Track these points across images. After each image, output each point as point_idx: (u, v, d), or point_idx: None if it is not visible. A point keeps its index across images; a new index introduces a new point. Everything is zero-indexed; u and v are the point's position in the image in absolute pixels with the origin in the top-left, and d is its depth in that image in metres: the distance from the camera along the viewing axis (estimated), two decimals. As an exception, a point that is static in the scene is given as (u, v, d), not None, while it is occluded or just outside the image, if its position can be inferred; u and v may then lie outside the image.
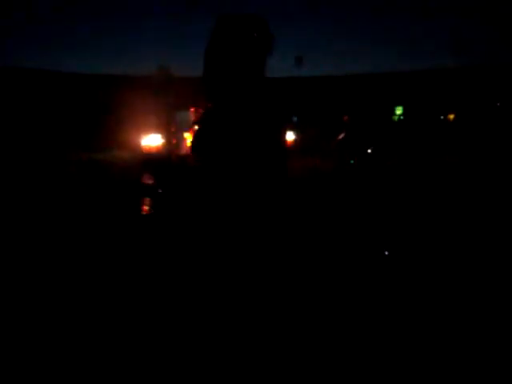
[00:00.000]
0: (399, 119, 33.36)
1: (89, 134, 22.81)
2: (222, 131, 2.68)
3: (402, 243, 8.60)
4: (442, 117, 31.74)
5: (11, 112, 21.47)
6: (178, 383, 3.98)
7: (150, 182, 10.30)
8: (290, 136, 33.77)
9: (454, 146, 25.70)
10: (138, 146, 21.51)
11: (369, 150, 23.89)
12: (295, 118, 32.78)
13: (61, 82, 23.05)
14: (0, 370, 4.14)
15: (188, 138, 32.93)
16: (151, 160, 19.03)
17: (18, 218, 10.37)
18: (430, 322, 5.23)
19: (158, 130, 23.31)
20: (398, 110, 33.64)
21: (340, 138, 25.65)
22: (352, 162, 21.25)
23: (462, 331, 5.04)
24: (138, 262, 7.05)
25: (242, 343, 2.66)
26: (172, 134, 30.06)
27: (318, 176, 19.64)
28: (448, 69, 33.67)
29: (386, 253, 8.16)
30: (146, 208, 9.52)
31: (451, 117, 32.80)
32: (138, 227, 8.89)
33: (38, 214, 10.72)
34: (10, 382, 4.00)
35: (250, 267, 2.63)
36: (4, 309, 5.52)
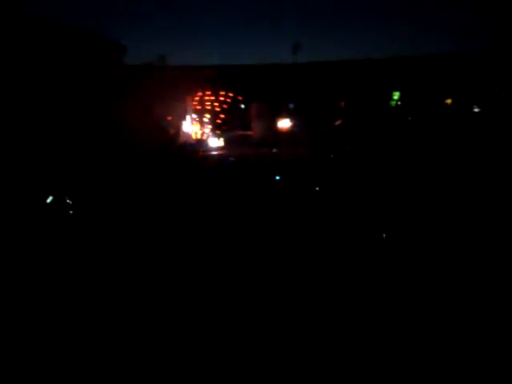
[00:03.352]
0: (396, 104, 33.30)
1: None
2: None
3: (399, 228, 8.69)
4: (439, 101, 31.72)
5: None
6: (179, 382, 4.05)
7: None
8: (286, 123, 33.80)
9: (452, 131, 25.68)
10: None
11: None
12: (291, 105, 32.67)
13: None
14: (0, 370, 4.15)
15: (185, 126, 32.59)
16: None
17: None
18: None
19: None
20: (395, 96, 33.57)
21: (337, 124, 25.64)
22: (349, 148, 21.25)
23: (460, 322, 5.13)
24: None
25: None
26: (169, 124, 30.06)
27: (316, 161, 19.68)
28: (445, 53, 33.48)
29: (384, 235, 8.25)
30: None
31: (449, 101, 32.74)
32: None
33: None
34: (10, 381, 4.00)
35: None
36: (5, 307, 5.50)
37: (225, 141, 32.24)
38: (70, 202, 11.93)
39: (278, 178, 17.67)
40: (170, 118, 29.54)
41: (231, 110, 34.46)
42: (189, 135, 32.02)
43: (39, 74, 18.60)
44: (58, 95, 19.00)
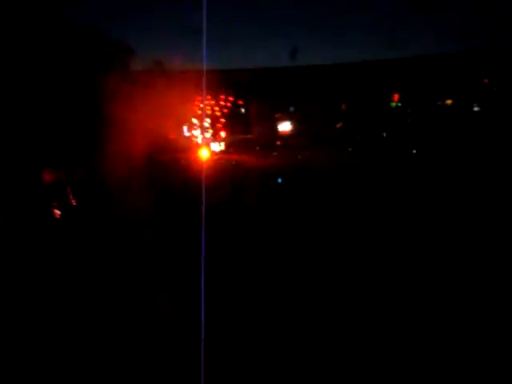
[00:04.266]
0: (397, 106, 33.35)
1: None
2: None
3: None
4: (439, 102, 31.75)
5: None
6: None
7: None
8: (287, 126, 33.83)
9: (452, 132, 25.68)
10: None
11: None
12: (292, 108, 32.71)
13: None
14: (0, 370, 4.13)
15: (185, 131, 32.53)
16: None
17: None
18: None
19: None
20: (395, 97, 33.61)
21: (338, 127, 25.66)
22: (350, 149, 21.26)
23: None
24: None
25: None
26: (169, 129, 30.06)
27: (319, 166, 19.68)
28: (444, 54, 33.51)
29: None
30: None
31: (449, 102, 32.79)
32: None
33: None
34: (10, 381, 3.99)
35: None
36: (5, 308, 5.50)
37: (225, 145, 32.25)
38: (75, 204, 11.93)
39: (279, 180, 17.71)
40: (169, 123, 29.54)
41: (232, 114, 34.49)
42: (189, 140, 32.03)
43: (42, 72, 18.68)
44: (54, 93, 18.98)
